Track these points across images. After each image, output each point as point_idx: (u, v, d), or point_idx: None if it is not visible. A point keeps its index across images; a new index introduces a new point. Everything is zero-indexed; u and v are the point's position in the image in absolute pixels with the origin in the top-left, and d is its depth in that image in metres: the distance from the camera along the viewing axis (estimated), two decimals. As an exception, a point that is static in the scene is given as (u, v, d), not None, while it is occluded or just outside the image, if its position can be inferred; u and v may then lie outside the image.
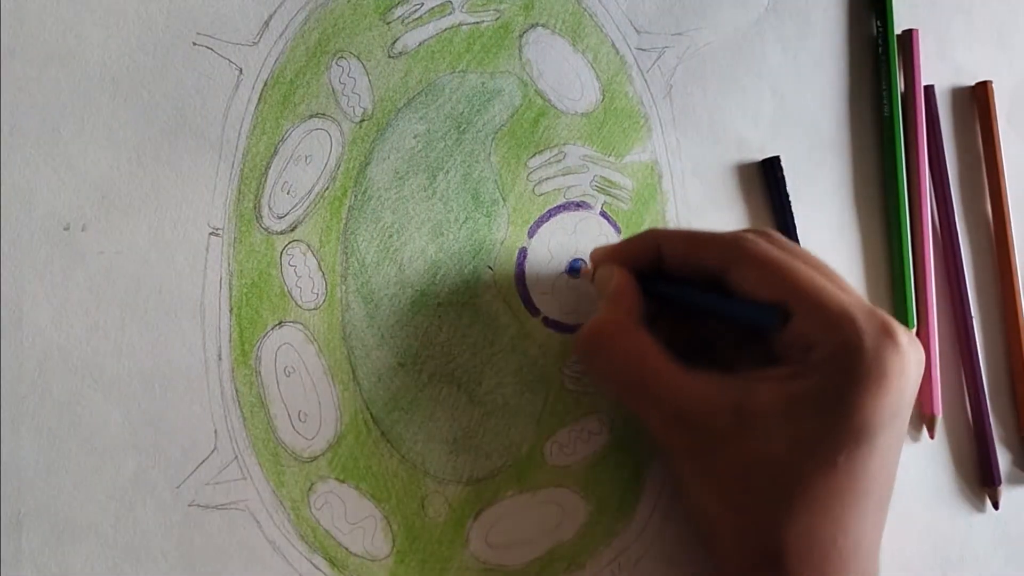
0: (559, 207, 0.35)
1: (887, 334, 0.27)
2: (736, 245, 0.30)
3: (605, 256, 0.33)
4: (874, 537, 0.29)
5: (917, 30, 0.42)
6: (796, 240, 0.38)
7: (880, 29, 0.41)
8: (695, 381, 0.29)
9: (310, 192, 0.32)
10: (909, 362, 0.28)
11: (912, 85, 0.41)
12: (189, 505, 0.30)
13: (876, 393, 0.27)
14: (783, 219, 0.38)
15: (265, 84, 0.31)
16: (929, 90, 0.42)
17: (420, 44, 0.34)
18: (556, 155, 0.35)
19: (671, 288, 0.32)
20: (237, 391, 0.31)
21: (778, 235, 0.31)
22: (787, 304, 0.28)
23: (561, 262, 0.35)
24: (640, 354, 0.30)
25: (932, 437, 0.39)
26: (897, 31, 0.41)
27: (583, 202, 0.36)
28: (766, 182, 0.38)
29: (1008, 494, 0.42)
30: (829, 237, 0.39)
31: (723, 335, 0.33)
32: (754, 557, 0.28)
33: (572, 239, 0.35)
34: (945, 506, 0.40)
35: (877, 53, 0.41)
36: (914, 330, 0.40)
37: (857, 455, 0.27)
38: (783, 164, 0.38)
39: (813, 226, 0.39)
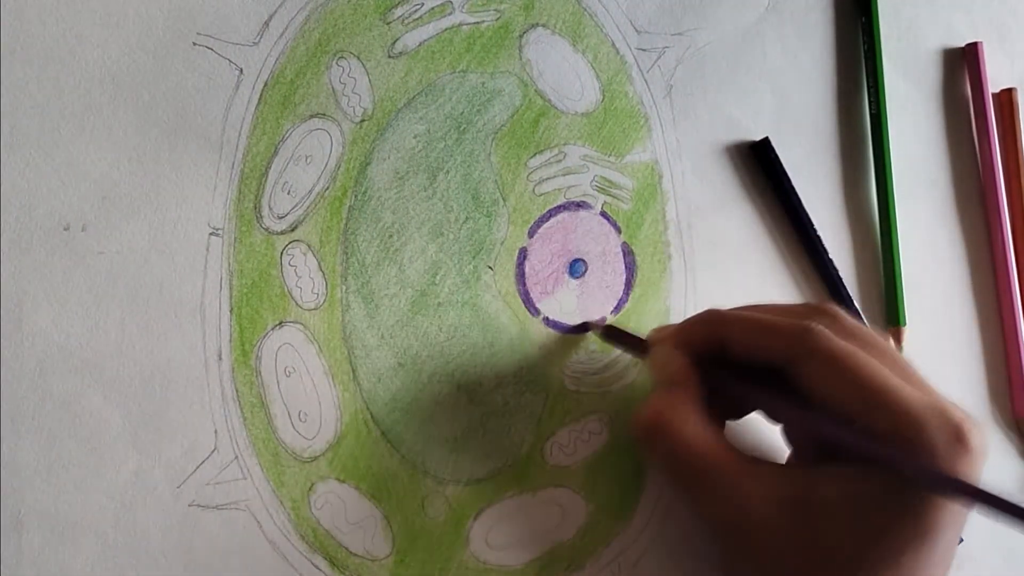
0: (559, 207, 0.35)
1: (959, 440, 0.27)
2: (804, 338, 0.29)
3: (665, 338, 0.32)
4: None
5: (981, 43, 0.43)
6: (806, 215, 0.38)
7: (866, 27, 0.41)
8: (757, 474, 0.28)
9: (310, 192, 0.32)
10: (977, 464, 0.27)
11: (980, 93, 0.42)
12: (189, 505, 0.30)
13: (944, 500, 0.27)
14: (788, 203, 0.38)
15: (265, 84, 0.31)
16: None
17: (420, 44, 0.34)
18: (556, 155, 0.35)
19: (746, 389, 0.31)
20: (237, 391, 0.31)
21: (845, 317, 0.30)
22: (856, 405, 0.28)
23: (561, 262, 0.35)
24: (699, 443, 0.29)
25: None
26: (962, 44, 0.43)
27: (583, 202, 0.36)
28: (762, 167, 0.38)
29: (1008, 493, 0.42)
30: (828, 236, 0.39)
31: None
32: None
33: (572, 239, 0.35)
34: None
35: (863, 52, 0.41)
36: (905, 328, 0.40)
37: (921, 553, 0.27)
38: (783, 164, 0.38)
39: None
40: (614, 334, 0.34)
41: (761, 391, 0.30)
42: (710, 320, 0.32)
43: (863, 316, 0.39)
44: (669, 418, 0.29)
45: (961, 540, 0.40)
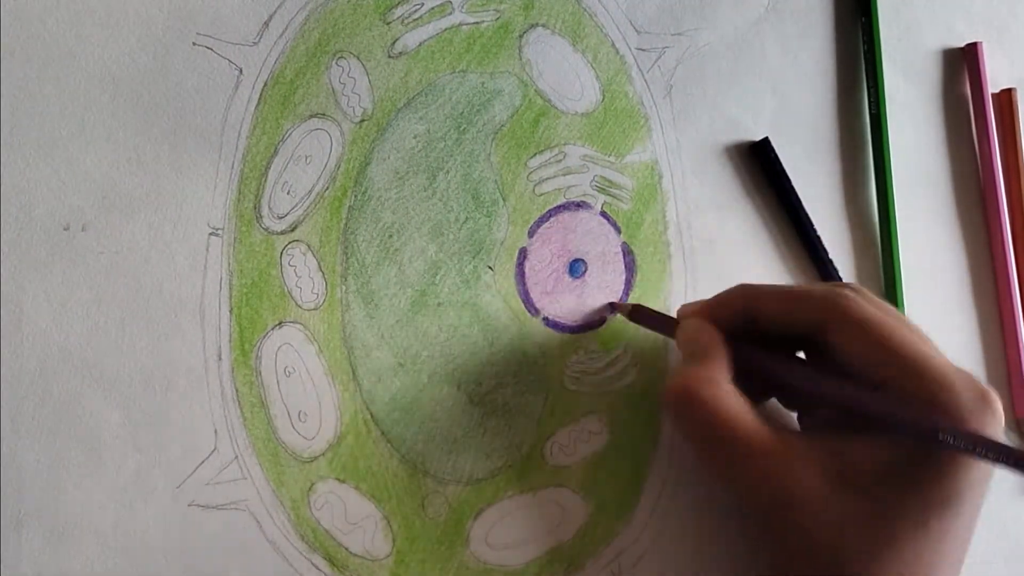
0: (559, 207, 0.35)
1: (985, 402, 0.28)
2: (834, 303, 0.29)
3: (694, 312, 0.32)
4: None
5: (980, 43, 0.43)
6: (806, 216, 0.38)
7: (865, 27, 0.41)
8: (798, 449, 0.28)
9: (310, 192, 0.32)
10: (1000, 427, 0.28)
11: (980, 93, 0.42)
12: (189, 505, 0.30)
13: (970, 462, 0.27)
14: (788, 203, 0.38)
15: (265, 84, 0.31)
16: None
17: (420, 44, 0.34)
18: (556, 155, 0.35)
19: (777, 361, 0.31)
20: (237, 391, 0.31)
21: (869, 293, 0.31)
22: (888, 370, 0.28)
23: (561, 262, 0.35)
24: (735, 418, 0.28)
25: None
26: (962, 44, 0.43)
27: (583, 202, 0.36)
28: (762, 167, 0.38)
29: (1008, 493, 0.42)
30: (828, 236, 0.39)
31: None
32: None
33: (572, 239, 0.35)
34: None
35: (863, 52, 0.41)
36: None
37: (947, 517, 0.28)
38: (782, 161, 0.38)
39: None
40: (642, 314, 0.34)
41: (793, 362, 0.30)
42: (742, 293, 0.32)
43: None
44: (702, 389, 0.29)
45: None
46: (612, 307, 0.35)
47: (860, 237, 0.41)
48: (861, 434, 0.29)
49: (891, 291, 0.40)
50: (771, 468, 0.28)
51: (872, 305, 0.30)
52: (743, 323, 0.31)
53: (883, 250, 0.40)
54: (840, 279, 0.39)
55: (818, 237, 0.39)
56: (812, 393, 0.30)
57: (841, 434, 0.29)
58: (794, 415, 0.34)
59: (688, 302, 0.34)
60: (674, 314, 0.34)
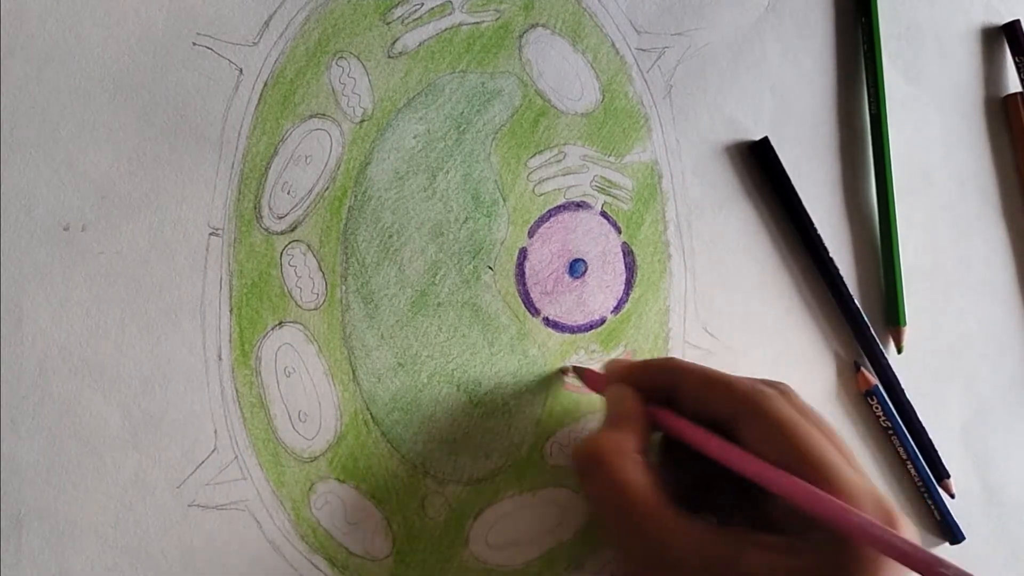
0: (559, 207, 0.35)
1: (890, 522, 0.26)
2: (751, 398, 0.29)
3: (620, 374, 0.32)
4: None
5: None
6: (806, 215, 0.38)
7: (865, 27, 0.41)
8: (688, 529, 0.28)
9: (310, 192, 0.32)
10: None
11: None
12: (189, 505, 0.30)
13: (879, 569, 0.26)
14: (788, 202, 0.38)
15: (265, 84, 0.31)
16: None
17: (420, 44, 0.34)
18: (556, 155, 0.35)
19: (683, 428, 0.30)
20: (237, 391, 0.31)
21: (795, 395, 0.30)
22: (797, 474, 0.27)
23: (561, 262, 0.35)
24: (635, 487, 0.28)
25: None
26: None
27: (583, 202, 0.36)
28: (762, 167, 0.38)
29: (1011, 493, 0.42)
30: (828, 236, 0.39)
31: (723, 485, 0.31)
32: None
33: (572, 239, 0.35)
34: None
35: (863, 52, 0.41)
36: (905, 328, 0.40)
37: None
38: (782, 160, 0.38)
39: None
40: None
41: (711, 434, 0.29)
42: (667, 366, 0.32)
43: (864, 315, 0.39)
44: (609, 455, 0.29)
45: (964, 539, 0.40)
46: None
47: (860, 237, 0.41)
48: (770, 533, 0.28)
49: (891, 290, 0.40)
50: (656, 542, 0.27)
51: (793, 407, 0.29)
52: (664, 394, 0.31)
53: (883, 248, 0.40)
54: (841, 278, 0.39)
55: (819, 236, 0.39)
56: (722, 459, 0.28)
57: (749, 534, 0.28)
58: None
59: (616, 359, 0.33)
60: (668, 319, 0.34)
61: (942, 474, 0.40)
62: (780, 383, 0.31)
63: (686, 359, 0.36)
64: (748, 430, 0.28)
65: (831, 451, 0.28)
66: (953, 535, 0.40)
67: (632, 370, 0.32)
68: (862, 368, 0.40)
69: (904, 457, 0.40)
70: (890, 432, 0.40)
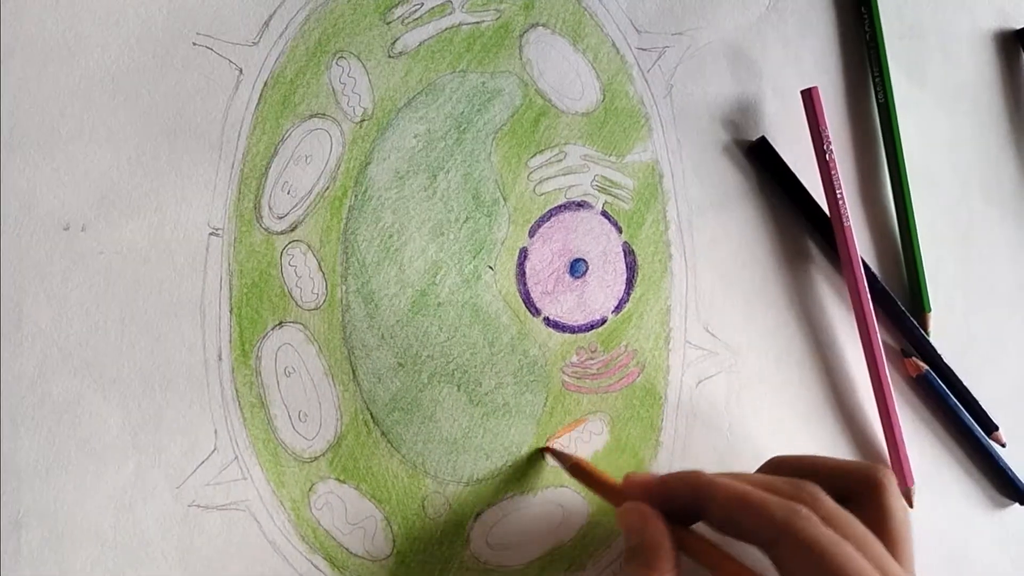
0: (560, 207, 0.35)
1: None
2: (789, 526, 0.28)
3: (639, 490, 0.31)
4: None
5: None
6: (818, 208, 0.38)
7: (867, 26, 0.41)
8: None
9: (310, 192, 0.32)
10: None
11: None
12: (189, 506, 0.30)
13: None
14: (794, 197, 0.38)
15: (265, 84, 0.31)
16: None
17: (420, 44, 0.34)
18: (557, 155, 0.35)
19: (719, 562, 0.29)
20: (237, 391, 0.31)
21: (830, 503, 0.29)
22: None
23: (562, 262, 0.35)
24: None
25: (912, 507, 0.39)
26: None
27: (584, 202, 0.36)
28: (765, 166, 0.38)
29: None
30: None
31: None
32: None
33: (573, 239, 0.35)
34: (952, 506, 0.40)
35: (866, 51, 0.41)
36: (930, 314, 0.40)
37: None
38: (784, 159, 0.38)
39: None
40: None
41: (744, 566, 0.28)
42: (692, 483, 0.30)
43: (897, 300, 0.39)
44: None
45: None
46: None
47: (877, 228, 0.41)
48: None
49: (913, 277, 0.40)
50: None
51: (827, 519, 0.28)
52: (690, 515, 0.30)
53: (903, 240, 0.41)
54: (869, 268, 0.39)
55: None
56: None
57: None
58: None
59: (636, 472, 0.32)
60: (669, 319, 0.34)
61: (990, 428, 0.41)
62: (808, 485, 0.30)
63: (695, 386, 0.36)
64: (786, 559, 0.28)
65: (868, 570, 0.27)
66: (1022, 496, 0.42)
67: (652, 487, 0.31)
68: (912, 356, 0.40)
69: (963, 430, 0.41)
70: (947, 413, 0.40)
